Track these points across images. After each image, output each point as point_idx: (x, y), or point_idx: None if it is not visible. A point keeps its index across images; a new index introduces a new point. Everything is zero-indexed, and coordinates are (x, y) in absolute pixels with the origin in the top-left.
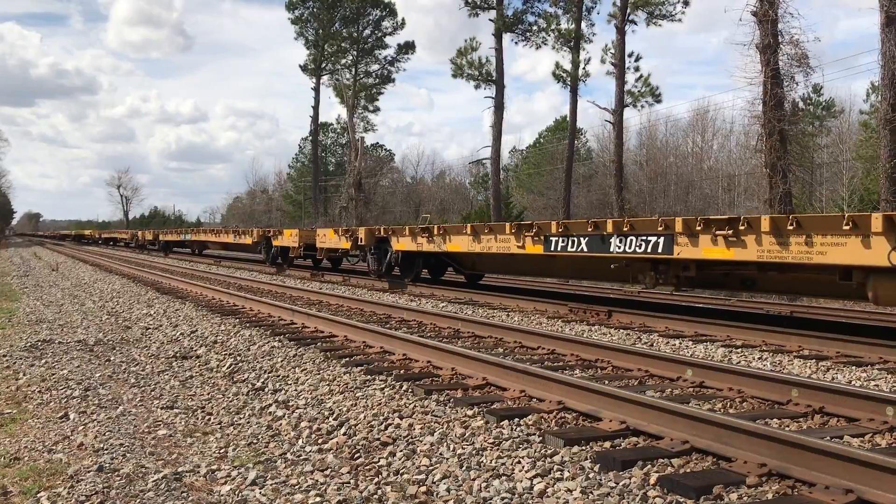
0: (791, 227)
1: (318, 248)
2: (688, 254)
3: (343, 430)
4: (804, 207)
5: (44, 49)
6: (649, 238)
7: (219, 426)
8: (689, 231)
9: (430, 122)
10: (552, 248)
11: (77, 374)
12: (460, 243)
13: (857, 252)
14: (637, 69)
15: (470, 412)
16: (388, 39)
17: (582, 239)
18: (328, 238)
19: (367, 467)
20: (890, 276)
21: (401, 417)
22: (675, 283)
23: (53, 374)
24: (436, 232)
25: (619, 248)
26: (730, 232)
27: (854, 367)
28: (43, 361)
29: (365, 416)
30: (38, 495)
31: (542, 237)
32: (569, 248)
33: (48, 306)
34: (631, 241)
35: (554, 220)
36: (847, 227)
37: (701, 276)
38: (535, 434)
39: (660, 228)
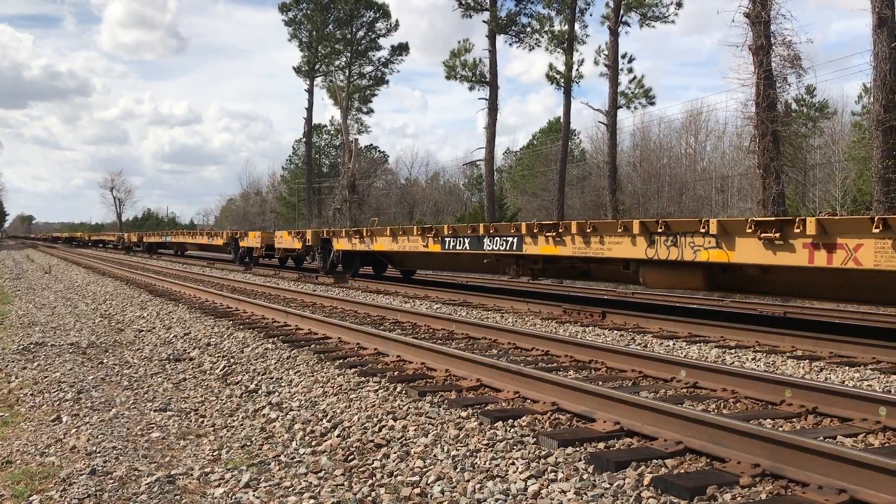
0: (590, 230)
1: (276, 249)
2: (532, 250)
3: (337, 432)
4: (797, 208)
5: (36, 51)
6: (508, 238)
7: (212, 428)
8: (532, 233)
9: (424, 124)
10: (447, 247)
11: (70, 377)
12: (383, 243)
13: (629, 248)
14: (630, 70)
15: (464, 413)
16: (381, 41)
17: (466, 239)
18: (284, 239)
19: (361, 469)
20: (651, 265)
21: (395, 419)
22: (530, 273)
23: (46, 377)
24: (365, 234)
25: (490, 246)
26: (554, 233)
27: (847, 368)
28: (35, 364)
29: (359, 418)
30: (31, 498)
31: (439, 238)
32: (458, 247)
33: (41, 309)
34: (497, 240)
35: (447, 225)
36: (621, 230)
37: (549, 268)
38: (529, 435)
39: (512, 231)
